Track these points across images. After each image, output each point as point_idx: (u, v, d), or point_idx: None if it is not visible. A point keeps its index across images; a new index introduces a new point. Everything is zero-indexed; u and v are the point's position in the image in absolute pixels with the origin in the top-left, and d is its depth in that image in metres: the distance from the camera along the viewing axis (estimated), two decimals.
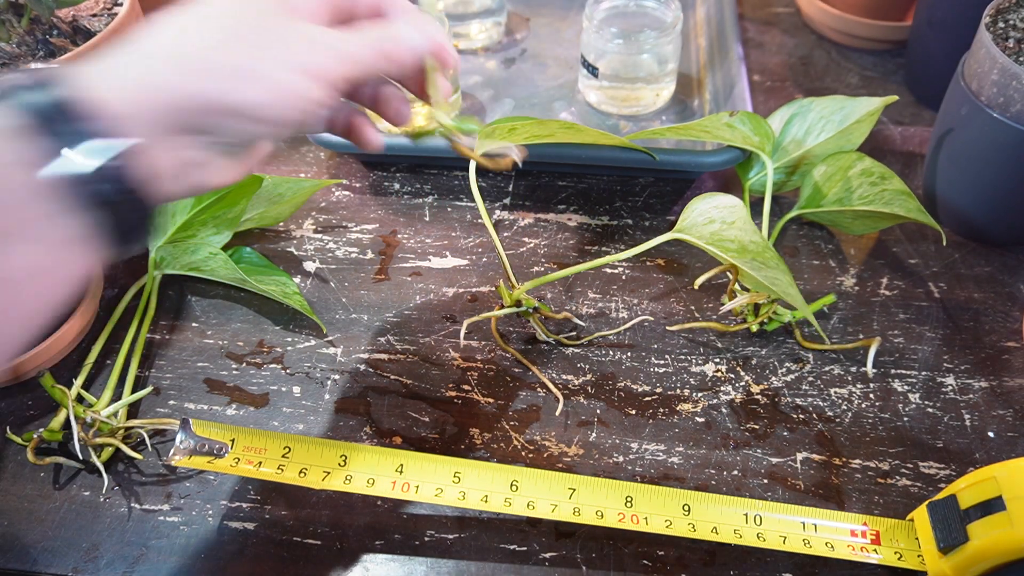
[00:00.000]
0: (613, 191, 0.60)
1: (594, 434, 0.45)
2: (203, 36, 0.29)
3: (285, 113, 0.30)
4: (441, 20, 0.61)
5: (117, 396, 0.46)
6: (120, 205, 0.27)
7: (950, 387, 0.47)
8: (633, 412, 0.46)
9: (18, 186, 0.24)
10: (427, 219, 0.58)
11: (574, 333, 0.50)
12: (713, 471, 0.43)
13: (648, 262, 0.54)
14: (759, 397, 0.46)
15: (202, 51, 0.28)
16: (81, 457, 0.43)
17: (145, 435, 0.44)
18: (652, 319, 0.51)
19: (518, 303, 0.47)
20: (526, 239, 0.56)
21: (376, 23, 0.34)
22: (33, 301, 0.26)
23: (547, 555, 0.40)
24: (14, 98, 0.25)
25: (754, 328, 0.49)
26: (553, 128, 0.55)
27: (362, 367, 0.49)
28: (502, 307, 0.48)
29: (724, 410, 0.46)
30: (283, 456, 0.39)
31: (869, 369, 0.47)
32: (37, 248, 0.25)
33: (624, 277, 0.53)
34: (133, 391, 0.46)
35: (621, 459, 0.44)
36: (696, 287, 0.50)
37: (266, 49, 0.29)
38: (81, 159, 0.25)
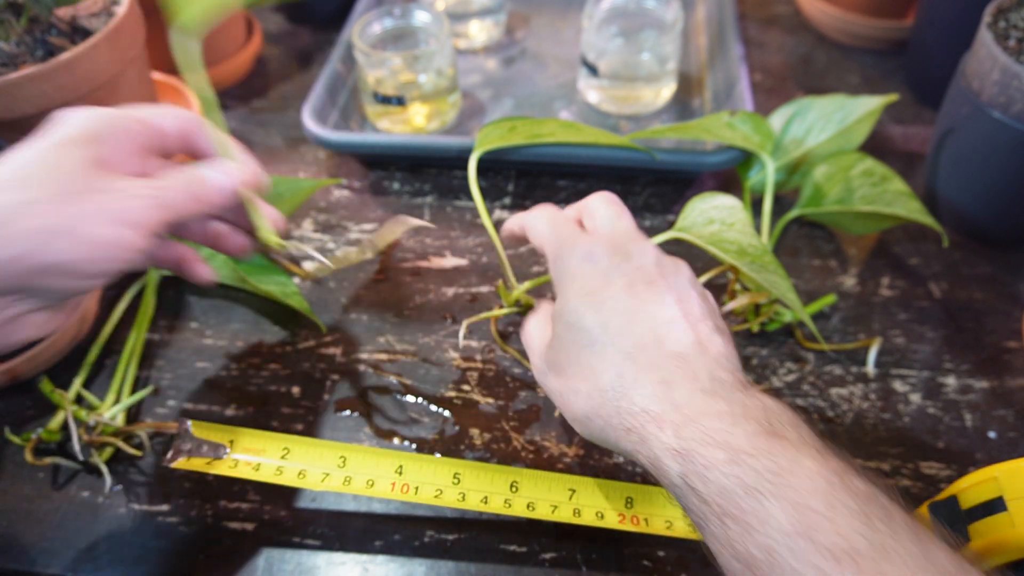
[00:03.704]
0: (613, 191, 0.59)
1: None
2: (15, 197, 0.29)
3: (103, 265, 0.31)
4: (441, 20, 0.61)
5: (116, 397, 0.46)
6: None
7: (951, 387, 0.47)
8: None
9: None
10: (427, 219, 0.58)
11: None
12: None
13: None
14: None
15: (18, 217, 0.29)
16: (81, 458, 0.43)
17: (144, 436, 0.44)
18: None
19: (517, 303, 0.47)
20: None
21: (183, 168, 0.36)
22: None
23: (547, 556, 0.40)
24: None
25: (755, 328, 0.49)
26: (552, 127, 0.55)
27: (362, 367, 0.49)
28: (501, 307, 0.48)
29: None
30: (282, 457, 0.39)
31: (870, 369, 0.47)
32: None
33: None
34: (132, 392, 0.46)
35: (621, 460, 0.44)
36: None
37: (81, 206, 0.30)
38: None
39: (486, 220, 0.47)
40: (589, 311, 0.33)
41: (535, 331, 0.39)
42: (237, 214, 0.40)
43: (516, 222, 0.41)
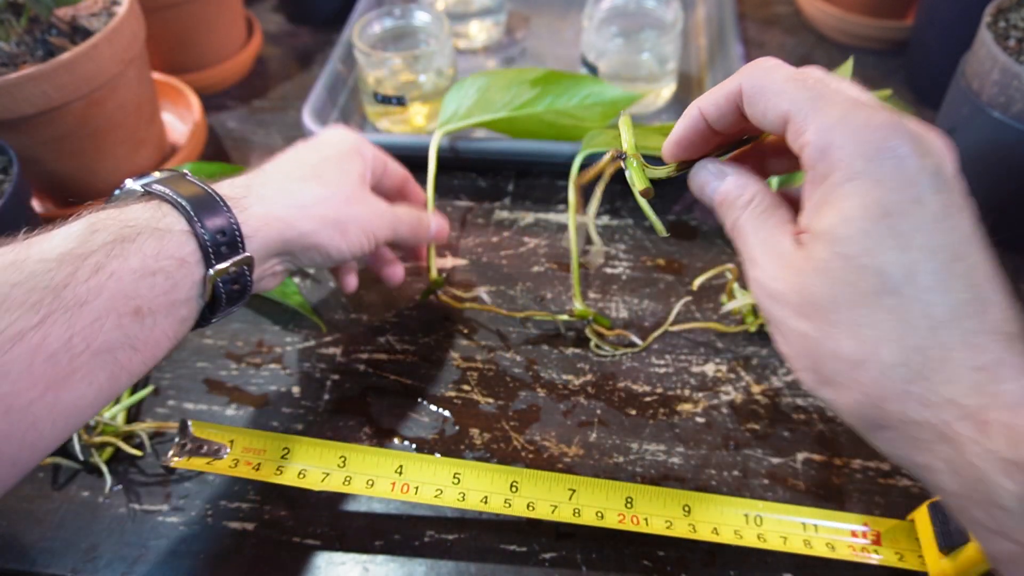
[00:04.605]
0: (613, 191, 0.60)
1: (594, 434, 0.45)
2: (316, 192, 0.39)
3: (347, 256, 0.40)
4: (440, 20, 0.61)
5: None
6: (223, 300, 0.34)
7: None
8: (633, 412, 0.46)
9: (186, 277, 0.32)
10: None
11: (609, 349, 0.50)
12: (713, 471, 0.43)
13: (648, 262, 0.54)
14: (759, 397, 0.46)
15: (314, 204, 0.38)
16: (81, 458, 0.43)
17: (144, 436, 0.44)
18: (653, 319, 0.50)
19: (578, 314, 0.48)
20: (526, 239, 0.56)
21: (410, 207, 0.46)
22: (150, 363, 0.33)
23: (547, 555, 0.40)
24: (205, 215, 0.33)
25: (752, 329, 0.49)
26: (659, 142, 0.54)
27: (362, 367, 0.49)
28: (571, 315, 0.48)
29: (724, 410, 0.46)
30: (282, 457, 0.39)
31: None
32: (171, 321, 0.32)
33: (624, 277, 0.53)
34: (132, 392, 0.46)
35: (621, 460, 0.44)
36: (695, 288, 0.51)
37: (353, 210, 0.40)
38: (226, 264, 0.33)
39: (572, 223, 0.48)
40: (887, 244, 0.23)
41: (764, 223, 0.27)
42: (407, 251, 0.50)
43: (724, 91, 0.27)
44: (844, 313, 0.24)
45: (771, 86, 0.26)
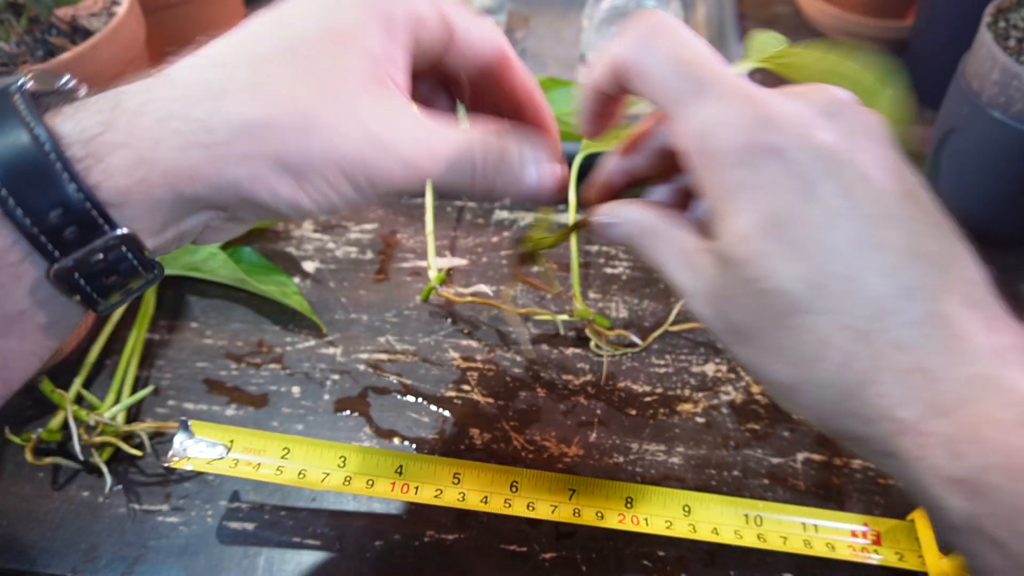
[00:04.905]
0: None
1: (594, 434, 0.45)
2: (247, 110, 0.23)
3: (310, 213, 0.24)
4: None
5: (116, 397, 0.46)
6: (114, 288, 0.24)
7: None
8: (633, 412, 0.46)
9: (15, 282, 0.22)
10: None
11: (609, 349, 0.50)
12: (713, 471, 0.43)
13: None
14: (759, 397, 0.46)
15: (239, 134, 0.23)
16: (81, 458, 0.43)
17: (144, 436, 0.44)
18: (653, 319, 0.50)
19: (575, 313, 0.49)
20: None
21: (490, 129, 0.27)
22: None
23: (547, 555, 0.40)
24: (43, 194, 0.21)
25: None
26: None
27: (362, 367, 0.49)
28: (571, 315, 0.49)
29: (724, 410, 0.46)
30: (282, 457, 0.39)
31: None
32: (11, 341, 0.23)
33: (624, 277, 0.53)
34: (132, 392, 0.46)
35: (621, 460, 0.44)
36: None
37: (328, 143, 0.23)
38: (80, 254, 0.22)
39: (571, 223, 0.48)
40: (784, 260, 0.21)
41: (672, 250, 0.25)
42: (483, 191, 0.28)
43: (608, 64, 0.25)
44: (768, 339, 0.22)
45: (653, 70, 0.23)
